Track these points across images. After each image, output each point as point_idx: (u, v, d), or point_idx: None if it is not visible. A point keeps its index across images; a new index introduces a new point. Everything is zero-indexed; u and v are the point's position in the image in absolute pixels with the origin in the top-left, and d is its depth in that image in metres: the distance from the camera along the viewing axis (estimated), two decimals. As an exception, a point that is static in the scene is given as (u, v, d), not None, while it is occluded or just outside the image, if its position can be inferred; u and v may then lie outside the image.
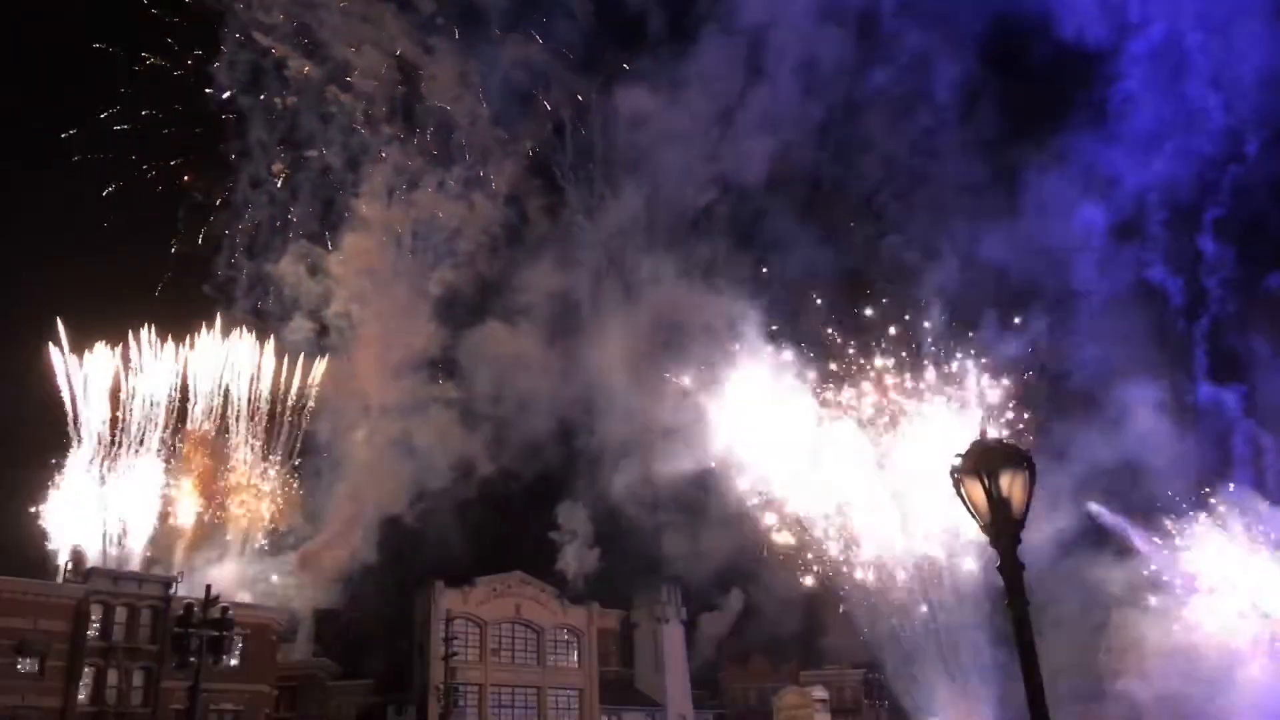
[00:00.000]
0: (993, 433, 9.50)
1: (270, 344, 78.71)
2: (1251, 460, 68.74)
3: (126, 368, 74.59)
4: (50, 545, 69.96)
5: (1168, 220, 69.98)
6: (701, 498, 71.48)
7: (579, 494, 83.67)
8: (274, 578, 73.61)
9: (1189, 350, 68.97)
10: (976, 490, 8.79)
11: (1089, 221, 70.55)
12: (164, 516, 73.68)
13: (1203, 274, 69.46)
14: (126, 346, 74.58)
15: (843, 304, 69.11)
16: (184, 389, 75.92)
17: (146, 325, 75.57)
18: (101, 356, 74.40)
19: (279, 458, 78.40)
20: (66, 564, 69.02)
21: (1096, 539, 65.46)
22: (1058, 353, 67.34)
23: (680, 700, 78.36)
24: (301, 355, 79.91)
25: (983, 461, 8.86)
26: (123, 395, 74.12)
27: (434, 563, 74.92)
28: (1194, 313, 68.94)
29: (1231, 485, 67.02)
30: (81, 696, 52.88)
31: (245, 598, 65.72)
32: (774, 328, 68.07)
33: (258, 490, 76.56)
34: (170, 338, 76.19)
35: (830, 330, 67.71)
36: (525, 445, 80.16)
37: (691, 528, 75.92)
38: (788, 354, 67.53)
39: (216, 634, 28.73)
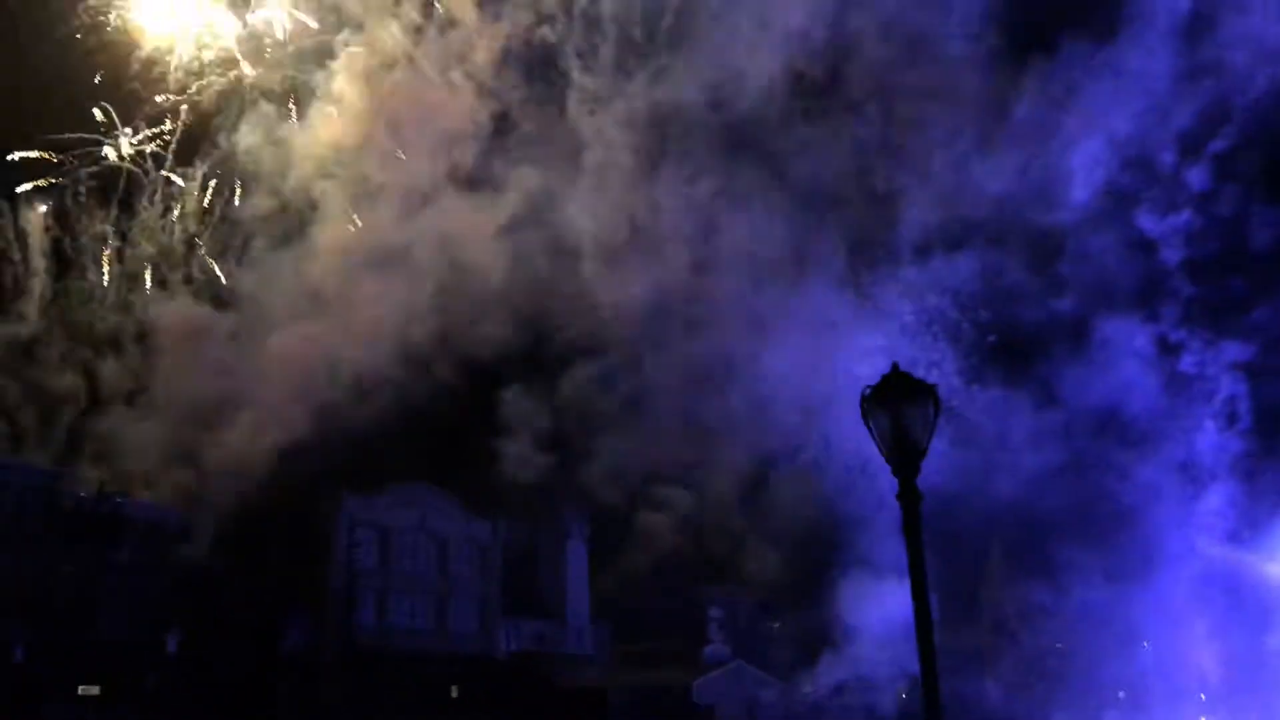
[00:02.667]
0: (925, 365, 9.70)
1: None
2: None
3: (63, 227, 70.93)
4: None
5: (1170, 158, 66.66)
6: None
7: (534, 396, 78.30)
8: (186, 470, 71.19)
9: (1165, 294, 67.11)
10: (883, 421, 9.03)
11: (1083, 154, 66.98)
12: (93, 395, 70.78)
13: (1189, 211, 66.82)
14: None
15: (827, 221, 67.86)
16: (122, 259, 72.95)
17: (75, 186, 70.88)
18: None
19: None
20: None
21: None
22: (1011, 291, 66.21)
23: (579, 614, 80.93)
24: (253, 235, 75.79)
25: (889, 394, 9.13)
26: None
27: (352, 463, 71.77)
28: (1175, 253, 66.77)
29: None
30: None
31: (163, 487, 63.72)
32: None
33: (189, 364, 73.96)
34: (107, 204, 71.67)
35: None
36: (480, 344, 74.24)
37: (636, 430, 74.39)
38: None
39: (107, 529, 28.20)
